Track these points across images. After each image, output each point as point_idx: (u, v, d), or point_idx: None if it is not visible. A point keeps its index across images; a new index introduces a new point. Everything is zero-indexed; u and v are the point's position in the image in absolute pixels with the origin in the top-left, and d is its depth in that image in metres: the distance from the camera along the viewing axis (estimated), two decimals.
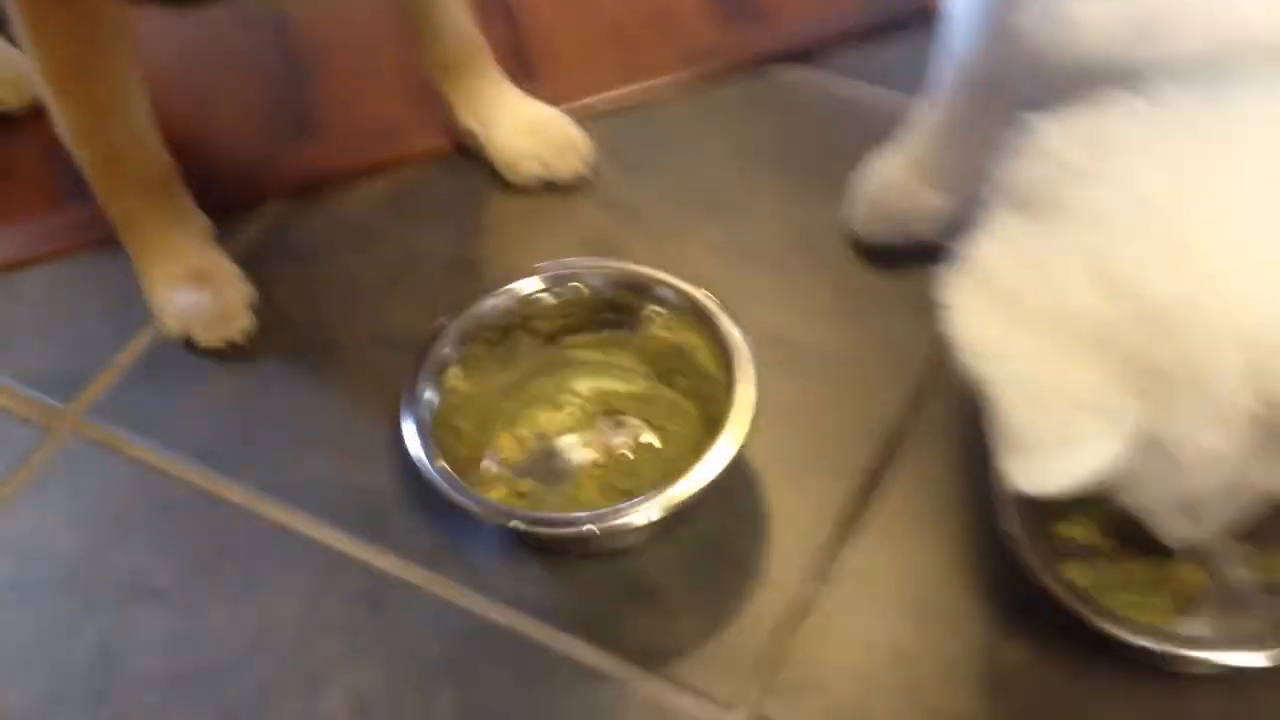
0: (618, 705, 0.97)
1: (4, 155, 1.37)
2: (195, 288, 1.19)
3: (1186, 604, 0.96)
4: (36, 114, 1.38)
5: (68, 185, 1.32)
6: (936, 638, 0.98)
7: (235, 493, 1.10)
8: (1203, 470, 0.77)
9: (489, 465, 1.07)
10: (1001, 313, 0.76)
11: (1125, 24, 0.77)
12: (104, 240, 1.26)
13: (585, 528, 0.96)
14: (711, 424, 1.02)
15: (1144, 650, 0.92)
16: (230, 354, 1.18)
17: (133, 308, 1.22)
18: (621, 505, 0.97)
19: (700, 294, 1.07)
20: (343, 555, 1.06)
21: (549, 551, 1.04)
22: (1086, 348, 0.74)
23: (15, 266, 1.28)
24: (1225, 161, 0.75)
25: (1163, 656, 0.93)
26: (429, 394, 1.05)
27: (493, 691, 0.98)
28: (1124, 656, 0.93)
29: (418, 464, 1.01)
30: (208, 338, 1.18)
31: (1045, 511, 0.97)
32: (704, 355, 1.08)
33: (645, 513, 0.96)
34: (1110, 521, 0.98)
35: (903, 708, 0.95)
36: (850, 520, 1.04)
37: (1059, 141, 0.79)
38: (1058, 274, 0.75)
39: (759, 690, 0.96)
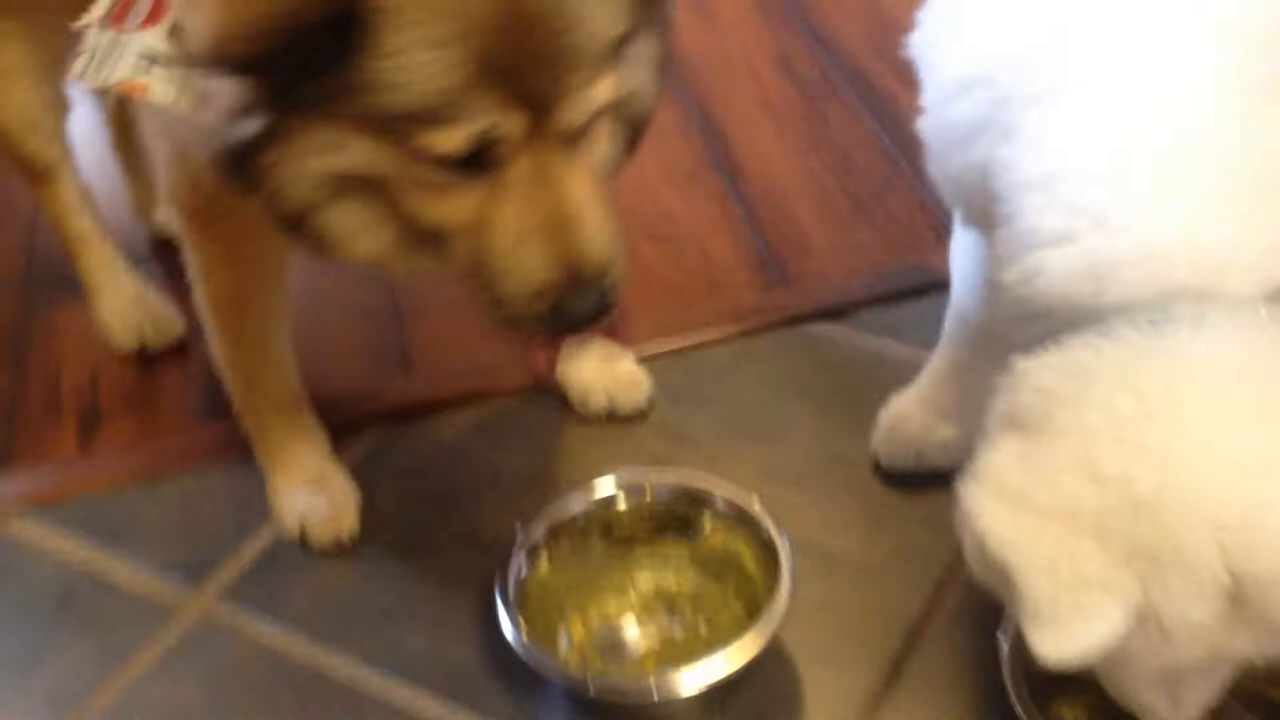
0: None
1: (151, 384, 1.61)
2: (313, 491, 1.38)
3: None
4: (177, 350, 1.63)
5: (203, 409, 1.56)
6: None
7: (338, 665, 1.27)
8: (1188, 641, 0.91)
9: (561, 644, 1.24)
10: (1017, 512, 0.92)
11: (1085, 273, 0.96)
12: (231, 457, 1.48)
13: (646, 684, 1.13)
14: (755, 617, 1.19)
15: None
16: (338, 551, 1.37)
17: (254, 512, 1.42)
18: (676, 674, 1.14)
19: (748, 498, 1.26)
20: (431, 719, 1.22)
21: (614, 717, 1.20)
22: (1090, 536, 0.89)
23: (156, 476, 1.49)
24: (1177, 384, 0.92)
25: None
26: (515, 582, 1.23)
27: None
28: None
29: (506, 635, 1.18)
30: (320, 535, 1.37)
31: (1044, 694, 1.12)
32: (749, 560, 1.26)
33: (695, 680, 1.13)
34: (1099, 704, 1.11)
35: None
36: (876, 702, 1.20)
37: (1044, 376, 0.97)
38: (1059, 478, 0.91)
39: None
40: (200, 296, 1.32)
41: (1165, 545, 0.88)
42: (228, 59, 0.91)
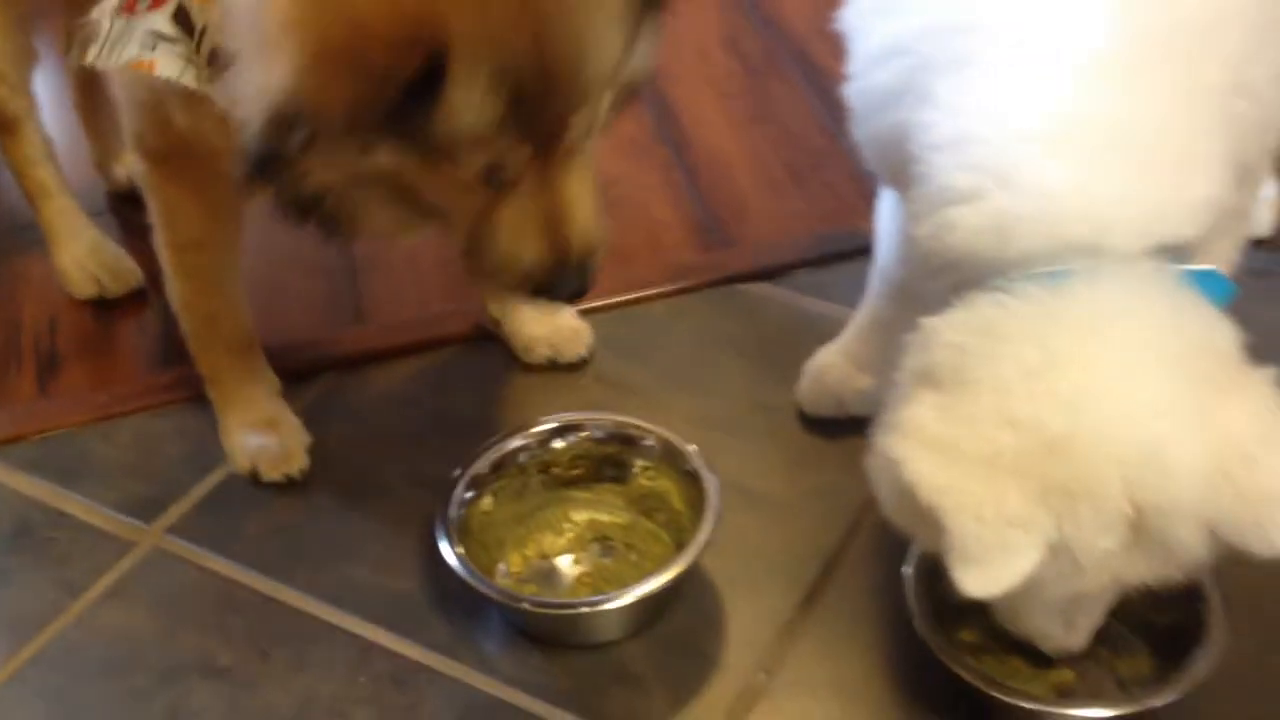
0: None
1: (108, 330, 1.66)
2: (264, 432, 1.45)
3: (1058, 696, 1.18)
4: (132, 297, 1.69)
5: (158, 355, 1.62)
6: (862, 716, 1.20)
7: (287, 594, 1.34)
8: (1095, 569, 0.98)
9: (500, 575, 1.31)
10: (943, 459, 0.98)
11: (989, 227, 1.02)
12: (184, 400, 1.54)
13: (581, 610, 1.21)
14: (681, 549, 1.27)
15: (1032, 712, 1.14)
16: (288, 488, 1.43)
17: (206, 453, 1.49)
18: (606, 594, 1.22)
19: (678, 441, 1.33)
20: (375, 644, 1.29)
21: (547, 641, 1.27)
22: (1009, 478, 0.96)
23: (110, 418, 1.54)
24: (1078, 335, 0.99)
25: (1035, 715, 1.14)
26: (457, 513, 1.30)
27: None
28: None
29: (446, 560, 1.25)
30: (271, 473, 1.43)
31: (947, 620, 1.20)
32: (676, 498, 1.34)
33: (623, 600, 1.21)
34: (996, 629, 1.19)
35: None
36: (794, 625, 1.27)
37: (953, 334, 1.03)
38: (978, 426, 0.97)
39: None
40: (160, 239, 1.38)
41: (1076, 482, 0.94)
42: (305, 114, 0.94)
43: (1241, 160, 1.07)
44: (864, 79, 1.19)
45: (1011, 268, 1.02)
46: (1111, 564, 0.98)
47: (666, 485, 1.35)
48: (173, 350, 1.61)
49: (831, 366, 1.44)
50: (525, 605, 1.24)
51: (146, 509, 1.43)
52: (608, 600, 1.22)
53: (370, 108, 0.94)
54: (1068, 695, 1.18)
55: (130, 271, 1.69)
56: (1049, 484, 0.95)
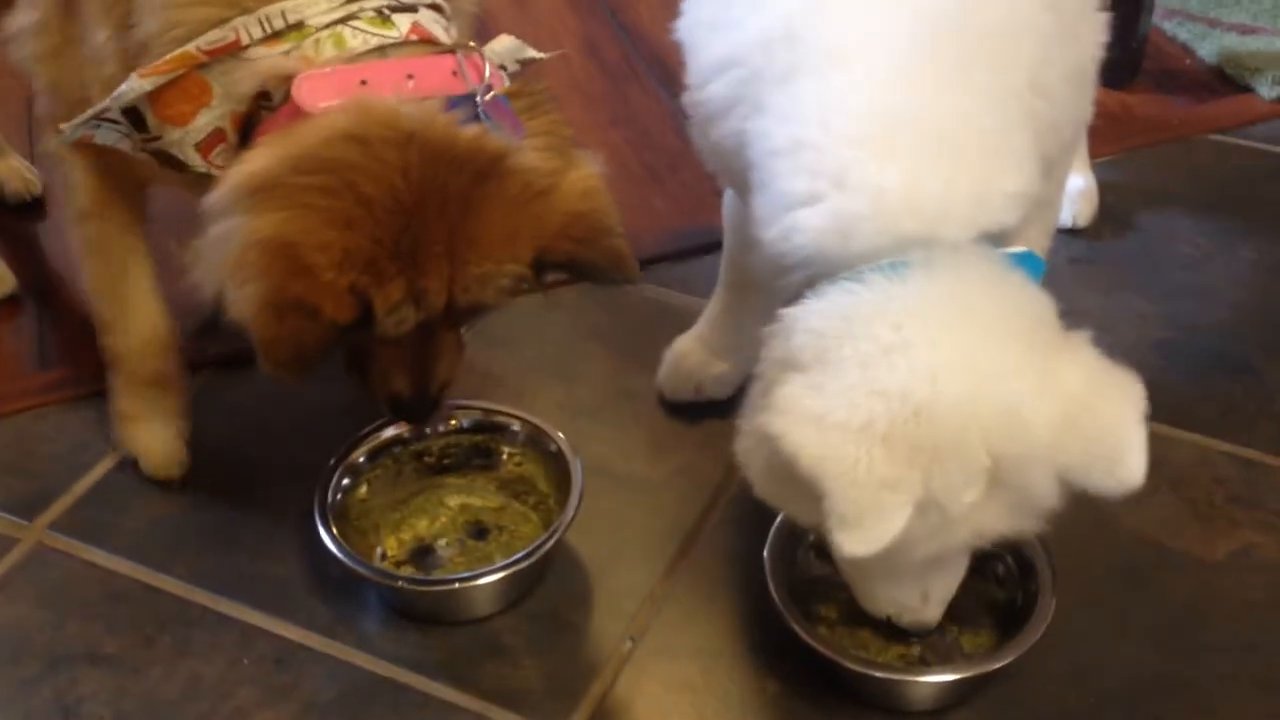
0: None
1: None
2: (150, 428, 1.47)
3: (906, 666, 1.28)
4: (9, 305, 1.71)
5: (34, 358, 1.65)
6: (719, 678, 1.30)
7: (169, 583, 1.39)
8: (960, 522, 1.07)
9: (379, 559, 1.38)
10: (819, 431, 1.04)
11: (831, 227, 1.10)
12: (63, 400, 1.58)
13: (454, 585, 1.29)
14: (549, 528, 1.35)
15: (877, 680, 1.24)
16: (168, 484, 1.48)
17: (86, 451, 1.53)
18: (478, 570, 1.30)
19: (545, 427, 1.42)
20: (256, 628, 1.35)
21: (424, 619, 1.34)
22: (880, 443, 1.03)
23: None
24: (923, 314, 1.07)
25: (886, 682, 1.25)
26: (334, 500, 1.36)
27: None
28: (856, 691, 1.26)
29: (325, 544, 1.31)
30: (154, 468, 1.47)
31: (803, 593, 1.30)
32: (543, 481, 1.42)
33: (494, 575, 1.30)
34: (850, 604, 1.28)
35: None
36: (657, 596, 1.36)
37: (811, 320, 1.10)
38: (849, 397, 1.05)
39: (584, 716, 1.26)
40: (65, 215, 1.41)
41: (941, 442, 1.03)
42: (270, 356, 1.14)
43: (1045, 154, 1.17)
44: (702, 90, 1.26)
45: (857, 261, 1.10)
46: (974, 517, 1.08)
47: (533, 469, 1.43)
48: (50, 353, 1.65)
49: (688, 353, 1.54)
50: (401, 584, 1.31)
51: (28, 506, 1.47)
52: (479, 576, 1.30)
53: (314, 344, 1.14)
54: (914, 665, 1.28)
55: (3, 277, 1.71)
56: (917, 446, 1.03)
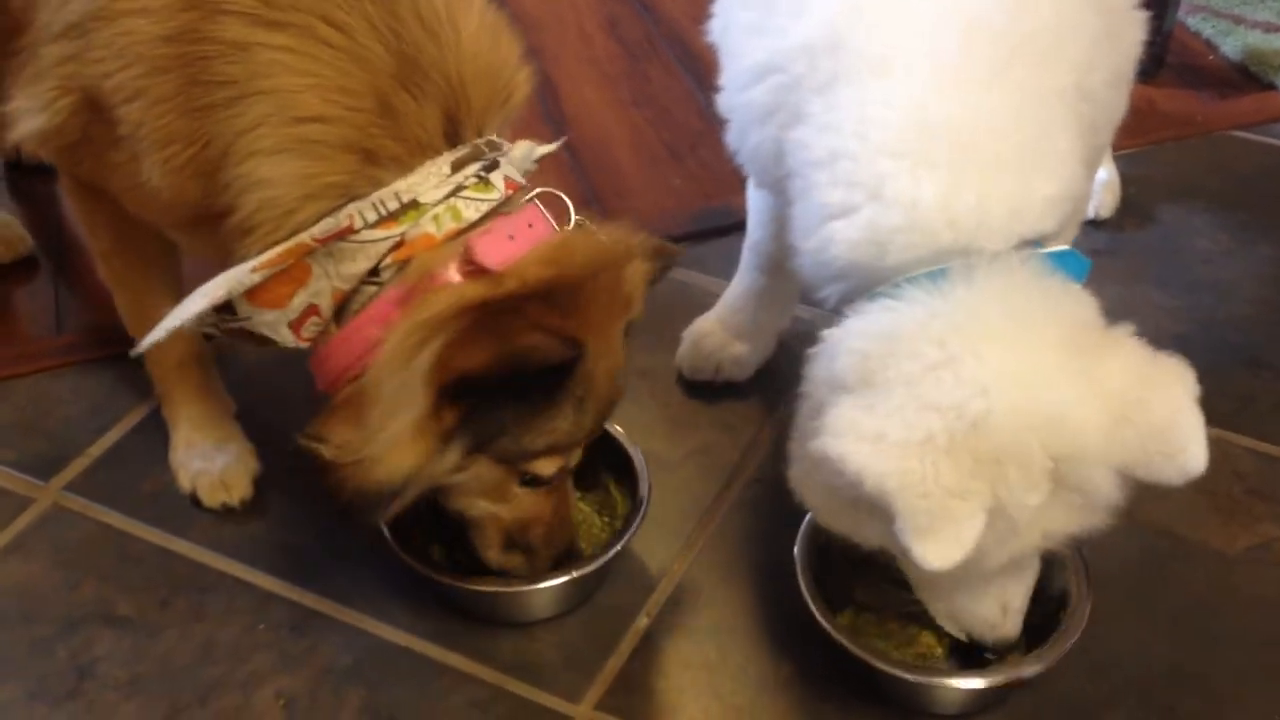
0: (490, 701, 1.26)
1: (1, 297, 1.68)
2: (207, 455, 1.43)
3: (926, 662, 1.27)
4: (23, 264, 1.71)
5: (51, 320, 1.64)
6: (735, 657, 1.30)
7: (185, 547, 1.39)
8: (1028, 526, 1.07)
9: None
10: (880, 449, 1.03)
11: (867, 239, 1.09)
12: (79, 362, 1.58)
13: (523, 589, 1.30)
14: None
15: (883, 673, 1.22)
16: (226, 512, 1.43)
17: (103, 413, 1.52)
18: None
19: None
20: (273, 594, 1.35)
21: (483, 621, 1.32)
22: (944, 456, 1.03)
23: (5, 379, 1.56)
24: (967, 329, 1.06)
25: (893, 678, 1.22)
26: None
27: (393, 691, 1.26)
28: (867, 679, 1.25)
29: (393, 548, 1.29)
30: (210, 500, 1.42)
31: (835, 572, 1.27)
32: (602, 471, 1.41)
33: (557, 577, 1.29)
34: (883, 586, 1.27)
35: (709, 703, 1.26)
36: (673, 576, 1.37)
37: (854, 342, 1.09)
38: (905, 415, 1.04)
39: (600, 691, 1.26)
40: (93, 246, 1.39)
41: (1001, 451, 1.03)
42: (441, 384, 1.09)
43: (1085, 156, 1.17)
44: (738, 95, 1.25)
45: (894, 274, 1.10)
46: (1041, 520, 1.07)
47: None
48: (66, 316, 1.65)
49: (708, 334, 1.54)
50: (472, 588, 1.30)
51: (44, 467, 1.47)
52: (545, 579, 1.29)
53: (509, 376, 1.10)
54: (933, 661, 1.28)
55: (20, 239, 1.71)
56: (978, 456, 1.03)
